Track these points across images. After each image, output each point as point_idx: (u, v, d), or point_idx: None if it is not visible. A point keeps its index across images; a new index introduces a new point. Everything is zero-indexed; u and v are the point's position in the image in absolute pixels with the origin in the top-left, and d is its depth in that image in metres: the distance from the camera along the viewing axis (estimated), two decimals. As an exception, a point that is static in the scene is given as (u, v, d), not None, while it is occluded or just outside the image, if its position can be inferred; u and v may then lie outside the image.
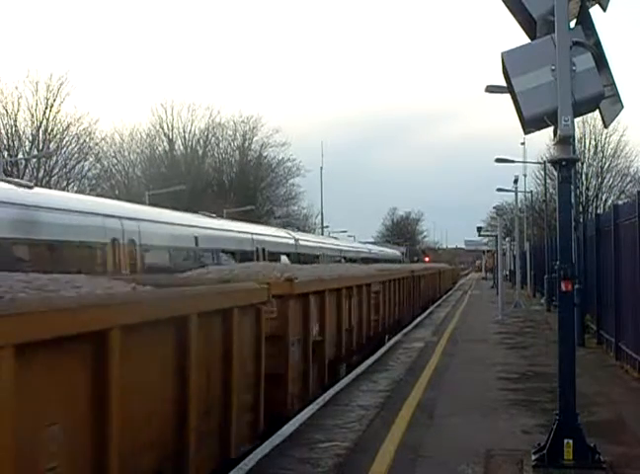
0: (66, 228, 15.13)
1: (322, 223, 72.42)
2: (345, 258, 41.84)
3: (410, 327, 21.93)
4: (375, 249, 63.10)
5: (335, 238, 59.61)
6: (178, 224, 21.53)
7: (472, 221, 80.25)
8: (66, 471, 3.88)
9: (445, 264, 66.52)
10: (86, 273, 7.60)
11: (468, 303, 35.43)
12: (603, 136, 55.24)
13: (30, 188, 16.02)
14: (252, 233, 27.19)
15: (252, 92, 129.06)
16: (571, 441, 6.75)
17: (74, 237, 15.35)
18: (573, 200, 9.69)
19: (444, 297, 40.39)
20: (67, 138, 54.21)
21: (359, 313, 14.11)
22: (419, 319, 25.11)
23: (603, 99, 7.12)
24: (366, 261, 40.86)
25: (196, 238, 21.56)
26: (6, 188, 14.77)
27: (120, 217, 17.22)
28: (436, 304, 33.40)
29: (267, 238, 28.42)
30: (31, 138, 53.33)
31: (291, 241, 32.49)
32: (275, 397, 8.28)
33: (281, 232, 35.04)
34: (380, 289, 17.19)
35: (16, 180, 18.92)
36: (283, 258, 22.53)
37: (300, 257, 30.13)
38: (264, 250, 26.16)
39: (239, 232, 26.30)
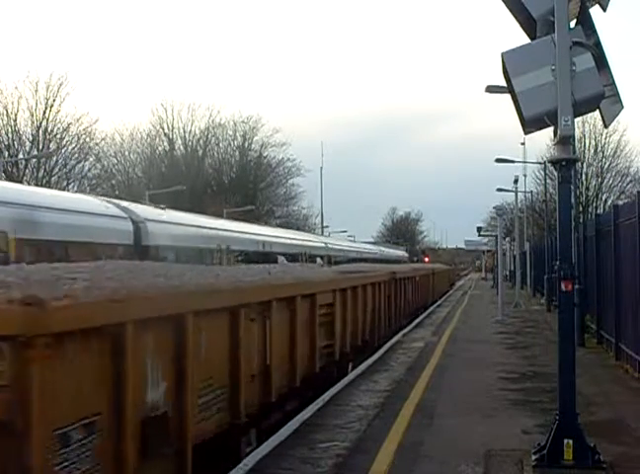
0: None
1: (322, 223, 72.51)
2: (359, 259, 44.69)
3: (410, 327, 21.93)
4: (385, 250, 64.55)
5: (352, 240, 62.22)
6: (256, 234, 28.95)
7: (472, 221, 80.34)
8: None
9: (442, 263, 64.85)
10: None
11: (468, 303, 35.45)
12: (603, 136, 55.27)
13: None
14: (301, 239, 36.50)
15: (252, 92, 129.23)
16: (571, 441, 6.75)
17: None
18: (573, 200, 9.69)
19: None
20: (67, 138, 54.24)
21: (287, 342, 8.97)
22: (418, 320, 25.11)
23: (603, 99, 7.12)
24: (377, 262, 43.64)
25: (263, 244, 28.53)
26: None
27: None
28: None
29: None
30: (31, 138, 53.35)
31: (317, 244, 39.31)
32: None
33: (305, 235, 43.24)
34: (335, 301, 11.78)
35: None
36: (281, 258, 22.85)
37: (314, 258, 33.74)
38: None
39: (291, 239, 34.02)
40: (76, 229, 13.77)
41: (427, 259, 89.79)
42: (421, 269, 32.63)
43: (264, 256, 25.28)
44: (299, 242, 34.27)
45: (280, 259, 24.46)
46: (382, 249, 64.16)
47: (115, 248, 15.47)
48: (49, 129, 53.54)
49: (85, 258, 11.51)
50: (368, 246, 60.78)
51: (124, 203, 21.17)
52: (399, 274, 21.36)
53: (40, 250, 12.10)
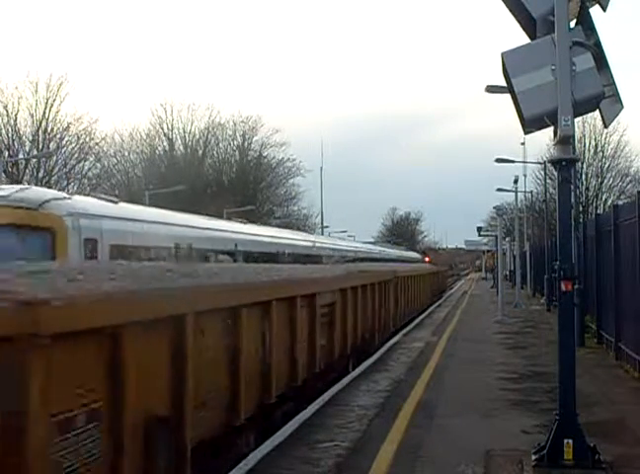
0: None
1: (322, 223, 72.43)
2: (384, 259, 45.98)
3: (410, 327, 21.95)
4: (395, 251, 65.01)
5: (372, 243, 63.39)
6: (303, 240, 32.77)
7: (472, 221, 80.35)
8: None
9: (427, 263, 57.10)
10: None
11: (468, 303, 35.46)
12: (603, 136, 55.24)
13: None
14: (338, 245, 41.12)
15: (252, 92, 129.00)
16: (571, 441, 6.75)
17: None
18: (573, 200, 9.69)
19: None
20: (67, 138, 54.24)
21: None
22: (417, 320, 25.10)
23: (603, 99, 7.12)
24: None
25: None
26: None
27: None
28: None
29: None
30: (31, 138, 53.35)
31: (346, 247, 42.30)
32: None
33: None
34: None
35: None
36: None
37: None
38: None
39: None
40: (152, 237, 16.05)
41: (427, 259, 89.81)
42: (378, 275, 17.47)
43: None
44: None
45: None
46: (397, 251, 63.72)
47: (169, 251, 16.82)
48: (49, 129, 53.56)
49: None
50: (369, 246, 60.66)
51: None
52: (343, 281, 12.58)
53: (124, 253, 14.00)
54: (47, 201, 12.97)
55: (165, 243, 16.53)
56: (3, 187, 14.70)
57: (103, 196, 17.24)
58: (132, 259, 13.62)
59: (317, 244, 34.17)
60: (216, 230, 20.97)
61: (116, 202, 16.39)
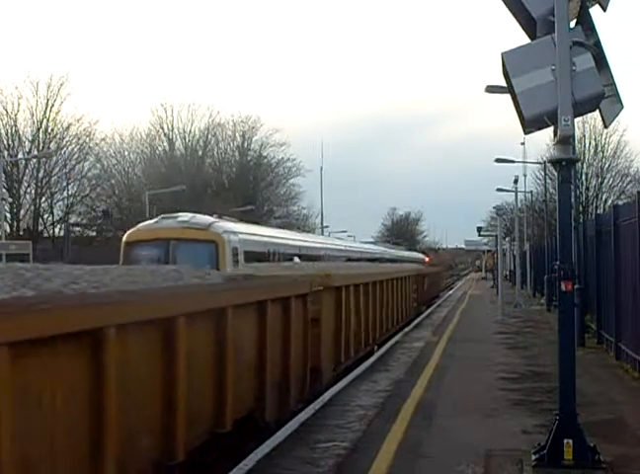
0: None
1: (322, 223, 72.46)
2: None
3: (410, 327, 21.94)
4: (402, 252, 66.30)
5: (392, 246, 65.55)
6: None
7: (472, 221, 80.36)
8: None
9: (426, 263, 52.77)
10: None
11: (468, 303, 35.46)
12: (603, 136, 55.31)
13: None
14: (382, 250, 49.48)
15: (251, 92, 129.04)
16: (571, 441, 6.75)
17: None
18: (573, 200, 9.70)
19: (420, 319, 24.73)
20: (67, 138, 54.31)
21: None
22: (417, 321, 25.09)
23: (603, 99, 7.12)
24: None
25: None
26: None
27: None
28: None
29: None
30: (31, 138, 53.39)
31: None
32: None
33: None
34: None
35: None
36: (296, 259, 24.74)
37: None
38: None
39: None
40: (264, 245, 22.90)
41: (427, 259, 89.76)
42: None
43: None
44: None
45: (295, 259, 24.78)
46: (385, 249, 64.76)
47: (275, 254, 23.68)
48: (49, 129, 53.60)
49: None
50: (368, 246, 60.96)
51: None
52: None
53: (251, 256, 20.49)
54: (211, 224, 19.43)
55: (272, 249, 23.43)
56: (181, 214, 20.39)
57: (231, 218, 23.55)
58: (256, 261, 20.59)
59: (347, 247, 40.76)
60: (296, 239, 29.15)
61: (236, 222, 23.32)
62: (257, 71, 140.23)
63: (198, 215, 20.39)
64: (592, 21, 7.17)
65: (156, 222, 19.67)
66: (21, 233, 49.92)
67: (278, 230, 34.50)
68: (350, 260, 33.72)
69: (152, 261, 16.75)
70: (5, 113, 52.00)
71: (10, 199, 50.34)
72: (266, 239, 23.39)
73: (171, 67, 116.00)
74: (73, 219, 55.85)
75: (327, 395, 10.50)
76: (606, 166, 57.03)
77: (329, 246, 34.46)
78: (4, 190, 44.07)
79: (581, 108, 7.02)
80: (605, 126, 8.40)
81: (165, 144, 65.93)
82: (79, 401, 4.31)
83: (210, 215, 21.15)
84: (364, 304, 14.89)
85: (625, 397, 10.48)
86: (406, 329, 21.11)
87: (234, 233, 19.92)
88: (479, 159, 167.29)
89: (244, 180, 68.63)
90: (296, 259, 24.22)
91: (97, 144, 57.13)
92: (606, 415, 9.22)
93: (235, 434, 6.65)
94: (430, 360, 14.26)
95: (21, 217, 52.88)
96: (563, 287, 7.09)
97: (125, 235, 19.70)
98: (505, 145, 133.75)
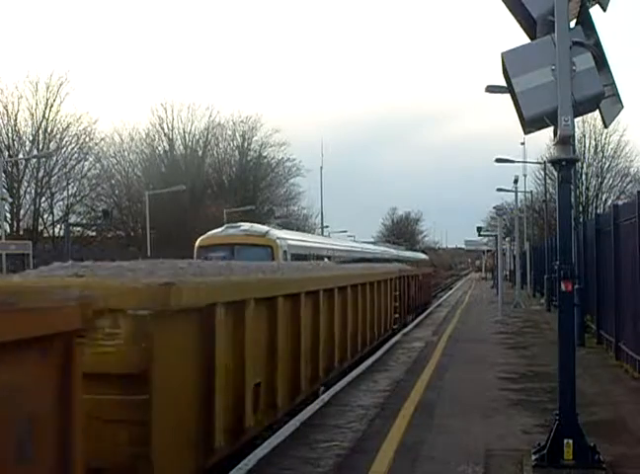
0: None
1: (322, 223, 72.48)
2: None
3: (410, 327, 21.94)
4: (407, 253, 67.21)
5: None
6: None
7: (472, 221, 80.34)
8: None
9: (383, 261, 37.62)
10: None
11: (468, 303, 35.47)
12: (603, 136, 55.32)
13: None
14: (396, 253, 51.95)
15: (251, 92, 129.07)
16: (571, 441, 6.75)
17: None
18: (573, 200, 9.69)
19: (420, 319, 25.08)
20: (67, 138, 54.32)
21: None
22: (417, 321, 25.08)
23: (603, 99, 7.12)
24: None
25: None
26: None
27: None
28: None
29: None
30: (31, 138, 53.39)
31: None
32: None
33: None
34: None
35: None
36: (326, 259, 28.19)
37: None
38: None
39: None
40: (305, 248, 27.51)
41: None
42: None
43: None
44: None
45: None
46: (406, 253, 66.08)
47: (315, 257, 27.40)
48: (49, 129, 53.60)
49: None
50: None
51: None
52: None
53: (297, 258, 24.05)
54: (267, 232, 24.30)
55: (311, 252, 27.55)
56: (242, 224, 25.64)
57: (278, 227, 28.72)
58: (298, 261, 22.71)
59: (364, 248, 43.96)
60: (326, 243, 34.39)
61: (283, 230, 28.97)
62: (257, 71, 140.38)
63: (255, 225, 25.83)
64: (592, 21, 7.17)
65: (223, 231, 24.58)
66: (21, 233, 49.92)
67: (314, 236, 42.17)
68: (364, 260, 34.13)
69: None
70: (5, 112, 52.06)
71: (10, 199, 50.34)
72: (305, 244, 28.53)
73: (171, 67, 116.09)
74: (73, 219, 55.85)
75: (327, 395, 10.50)
76: (606, 166, 57.07)
77: (348, 248, 39.16)
78: (4, 190, 44.05)
79: (581, 108, 7.02)
80: (605, 126, 8.41)
81: (165, 144, 65.96)
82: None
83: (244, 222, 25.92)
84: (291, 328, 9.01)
85: (625, 397, 10.48)
86: (405, 329, 21.10)
87: (284, 239, 24.58)
88: (479, 159, 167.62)
89: (244, 180, 68.64)
90: (326, 260, 27.65)
91: (97, 144, 57.19)
92: (606, 415, 9.23)
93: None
94: (430, 360, 14.26)
95: (21, 217, 52.90)
96: (563, 287, 7.09)
97: (199, 240, 24.12)
98: (505, 145, 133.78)
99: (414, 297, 26.48)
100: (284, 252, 23.42)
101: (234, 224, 26.06)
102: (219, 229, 25.14)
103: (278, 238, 23.92)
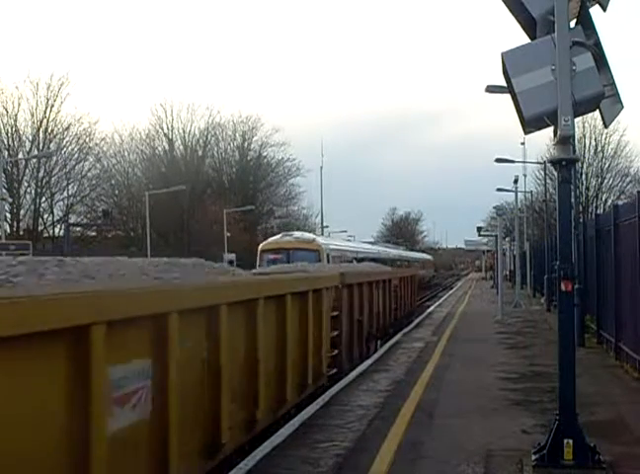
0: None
1: (322, 223, 72.52)
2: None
3: (410, 327, 21.94)
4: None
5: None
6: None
7: (472, 221, 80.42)
8: None
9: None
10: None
11: (468, 303, 35.47)
12: (603, 136, 55.38)
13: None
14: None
15: (251, 92, 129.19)
16: (571, 441, 6.75)
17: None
18: (573, 200, 9.69)
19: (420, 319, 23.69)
20: (67, 138, 54.36)
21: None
22: (417, 321, 25.08)
23: (603, 99, 7.12)
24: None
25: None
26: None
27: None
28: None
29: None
30: (31, 138, 53.40)
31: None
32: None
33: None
34: None
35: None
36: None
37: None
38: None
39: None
40: (343, 252, 34.91)
41: None
42: None
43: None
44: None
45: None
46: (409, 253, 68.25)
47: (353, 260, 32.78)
48: (49, 129, 53.64)
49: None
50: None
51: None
52: None
53: (336, 258, 30.74)
54: (314, 239, 32.36)
55: (348, 255, 33.95)
56: (295, 232, 35.39)
57: (321, 235, 38.30)
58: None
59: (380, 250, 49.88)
60: (357, 248, 41.12)
61: (326, 237, 39.87)
62: (257, 71, 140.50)
63: (305, 233, 35.34)
64: (592, 21, 7.17)
65: (280, 238, 31.79)
66: (21, 233, 49.94)
67: (349, 242, 49.40)
68: (379, 260, 35.06)
69: (280, 262, 25.06)
70: (5, 113, 52.09)
71: (10, 199, 50.35)
72: (343, 248, 36.01)
73: (171, 67, 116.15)
74: (73, 219, 55.89)
75: (327, 395, 10.50)
76: (606, 166, 57.10)
77: (369, 250, 45.07)
78: (4, 190, 44.04)
79: (581, 108, 7.02)
80: (605, 126, 8.40)
81: (165, 144, 65.99)
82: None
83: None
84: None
85: (625, 397, 10.48)
86: (405, 329, 21.10)
87: (327, 244, 32.31)
88: (479, 159, 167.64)
89: (244, 180, 68.69)
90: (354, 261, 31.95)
91: (97, 144, 57.25)
92: (606, 415, 9.23)
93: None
94: (430, 360, 14.26)
95: (21, 217, 52.91)
96: (563, 287, 7.08)
97: (261, 245, 32.05)
98: (505, 145, 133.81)
99: (380, 315, 17.98)
100: (328, 255, 30.20)
101: (289, 232, 34.47)
102: (277, 236, 32.70)
103: (323, 244, 31.77)
